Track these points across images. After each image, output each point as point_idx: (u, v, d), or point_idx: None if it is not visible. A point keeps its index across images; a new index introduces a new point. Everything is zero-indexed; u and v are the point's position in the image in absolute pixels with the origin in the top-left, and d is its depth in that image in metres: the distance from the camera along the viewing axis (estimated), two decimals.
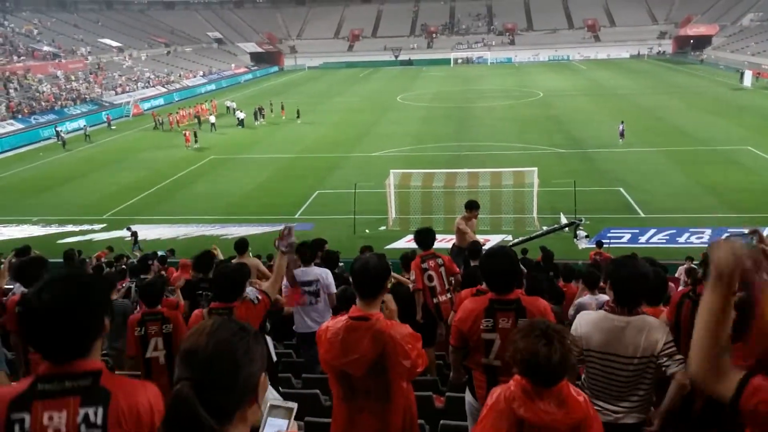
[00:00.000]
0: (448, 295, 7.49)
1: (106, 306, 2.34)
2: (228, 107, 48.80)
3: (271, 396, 4.59)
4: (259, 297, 4.88)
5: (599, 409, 3.82)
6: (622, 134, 32.28)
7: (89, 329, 2.25)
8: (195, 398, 1.67)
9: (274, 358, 7.57)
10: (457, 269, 7.87)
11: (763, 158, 27.70)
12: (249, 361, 1.80)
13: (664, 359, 3.68)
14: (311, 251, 7.79)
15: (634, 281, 3.77)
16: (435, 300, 7.51)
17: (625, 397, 3.84)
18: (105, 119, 47.05)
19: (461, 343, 4.25)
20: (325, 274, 7.36)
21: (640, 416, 3.86)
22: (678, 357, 3.69)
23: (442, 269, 7.55)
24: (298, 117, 43.98)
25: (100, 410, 2.18)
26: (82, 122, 45.71)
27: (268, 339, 7.46)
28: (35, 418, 2.15)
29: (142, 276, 10.32)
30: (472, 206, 11.12)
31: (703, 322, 2.09)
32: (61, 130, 41.03)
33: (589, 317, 3.95)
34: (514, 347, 2.78)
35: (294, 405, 2.26)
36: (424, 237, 7.71)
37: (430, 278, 7.49)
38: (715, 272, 2.06)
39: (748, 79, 53.07)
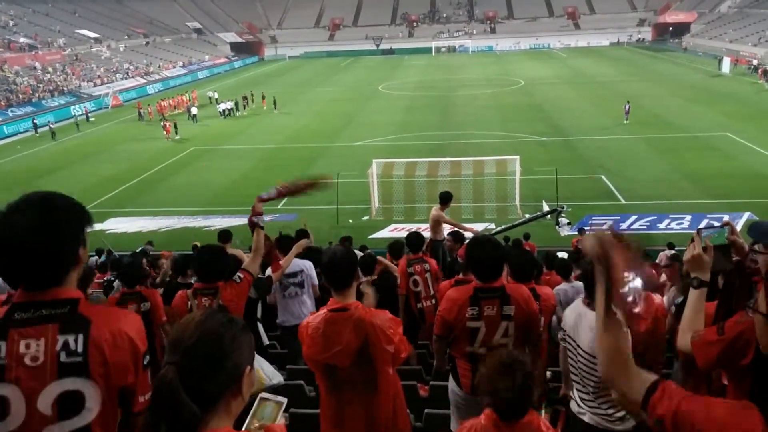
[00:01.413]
0: (433, 301, 7.39)
1: (81, 233, 2.26)
2: (210, 98, 48.34)
3: (268, 370, 4.61)
4: (241, 276, 4.85)
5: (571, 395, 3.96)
6: (627, 113, 33.86)
7: (64, 255, 2.18)
8: (178, 382, 1.69)
9: (266, 342, 7.52)
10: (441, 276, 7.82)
11: (741, 144, 28.03)
12: (234, 350, 1.82)
13: None
14: (292, 243, 7.76)
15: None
16: (419, 305, 7.44)
17: (581, 389, 3.89)
18: (83, 111, 46.15)
19: (446, 332, 4.26)
20: (308, 266, 7.33)
21: (598, 420, 3.84)
22: None
23: (428, 275, 7.48)
24: (275, 107, 43.81)
25: (81, 337, 2.13)
26: (50, 117, 44.44)
27: (259, 325, 7.43)
28: (11, 346, 2.09)
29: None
30: (446, 199, 11.09)
31: (598, 320, 2.01)
32: (49, 122, 40.63)
33: (575, 301, 4.10)
34: (481, 380, 2.81)
35: (284, 400, 2.26)
36: (413, 241, 7.70)
37: (416, 283, 7.42)
38: (593, 261, 2.00)
39: (726, 65, 53.60)
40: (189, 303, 4.86)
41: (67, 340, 2.12)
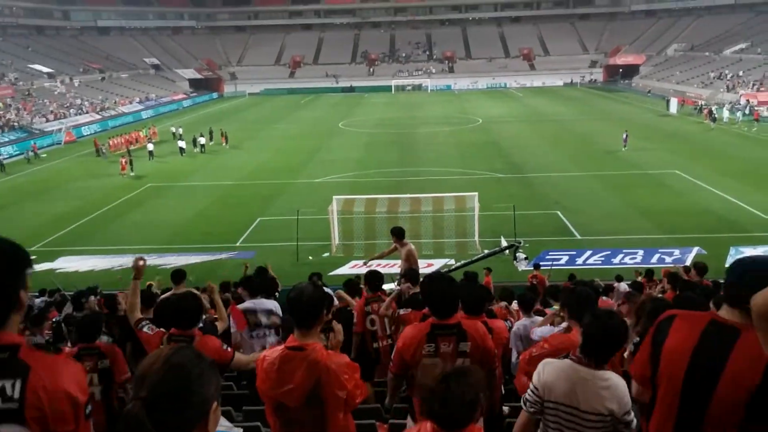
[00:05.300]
0: (389, 341, 7.30)
1: (22, 276, 2.23)
2: (173, 133, 47.17)
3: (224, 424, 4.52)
4: (228, 350, 5.04)
5: None
6: (625, 141, 37.21)
7: (5, 300, 2.16)
8: (145, 417, 1.69)
9: None
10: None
11: (690, 181, 28.98)
12: (201, 385, 1.82)
13: (622, 426, 3.39)
14: (259, 282, 7.71)
15: (610, 338, 3.48)
16: (375, 345, 7.38)
17: None
18: (31, 148, 44.00)
19: (402, 371, 4.22)
20: (276, 306, 7.27)
21: None
22: (633, 427, 3.38)
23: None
24: (226, 142, 43.79)
25: (18, 384, 2.09)
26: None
27: None
28: None
29: (74, 312, 9.97)
30: (392, 233, 11.01)
31: None
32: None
33: (555, 365, 3.60)
34: (424, 388, 2.81)
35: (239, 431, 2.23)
36: (371, 279, 7.68)
37: (372, 322, 7.36)
38: None
39: (673, 106, 55.74)
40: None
41: (4, 385, 2.09)
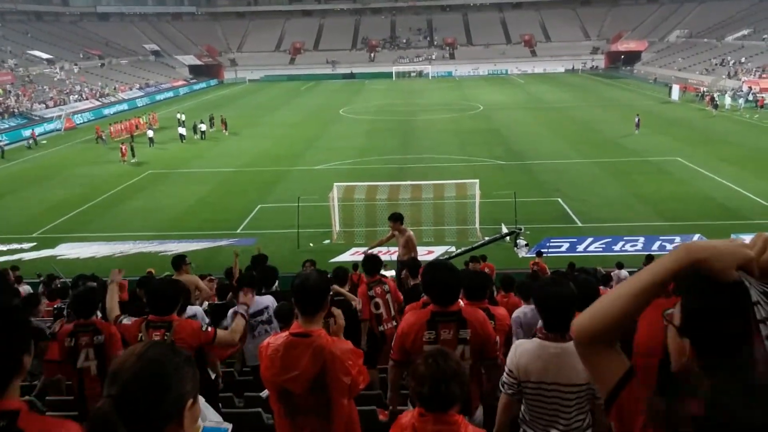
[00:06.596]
0: (394, 323, 7.36)
1: (25, 343, 2.15)
2: (179, 119, 46.68)
3: (214, 418, 4.51)
4: (209, 330, 4.83)
5: None
6: (637, 125, 38.01)
7: (5, 370, 2.08)
8: (115, 415, 1.63)
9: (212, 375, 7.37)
10: (401, 297, 7.81)
11: (691, 169, 28.90)
12: (176, 381, 1.75)
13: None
14: (254, 277, 7.66)
15: (562, 307, 3.52)
16: (381, 327, 7.41)
17: (569, 426, 3.64)
18: (30, 135, 43.99)
19: (403, 357, 4.22)
20: (272, 301, 7.24)
21: None
22: None
23: (389, 296, 7.49)
24: (225, 129, 43.58)
25: None
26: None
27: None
28: None
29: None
30: (390, 218, 11.34)
31: (635, 285, 1.62)
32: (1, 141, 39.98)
33: (525, 347, 3.67)
34: (410, 369, 2.84)
35: (228, 425, 2.19)
36: (370, 263, 7.62)
37: (377, 306, 7.38)
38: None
39: (675, 93, 55.42)
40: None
41: None
